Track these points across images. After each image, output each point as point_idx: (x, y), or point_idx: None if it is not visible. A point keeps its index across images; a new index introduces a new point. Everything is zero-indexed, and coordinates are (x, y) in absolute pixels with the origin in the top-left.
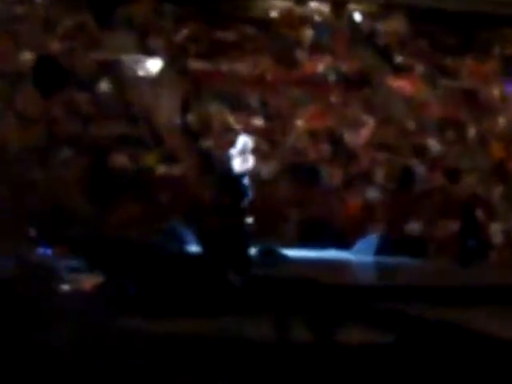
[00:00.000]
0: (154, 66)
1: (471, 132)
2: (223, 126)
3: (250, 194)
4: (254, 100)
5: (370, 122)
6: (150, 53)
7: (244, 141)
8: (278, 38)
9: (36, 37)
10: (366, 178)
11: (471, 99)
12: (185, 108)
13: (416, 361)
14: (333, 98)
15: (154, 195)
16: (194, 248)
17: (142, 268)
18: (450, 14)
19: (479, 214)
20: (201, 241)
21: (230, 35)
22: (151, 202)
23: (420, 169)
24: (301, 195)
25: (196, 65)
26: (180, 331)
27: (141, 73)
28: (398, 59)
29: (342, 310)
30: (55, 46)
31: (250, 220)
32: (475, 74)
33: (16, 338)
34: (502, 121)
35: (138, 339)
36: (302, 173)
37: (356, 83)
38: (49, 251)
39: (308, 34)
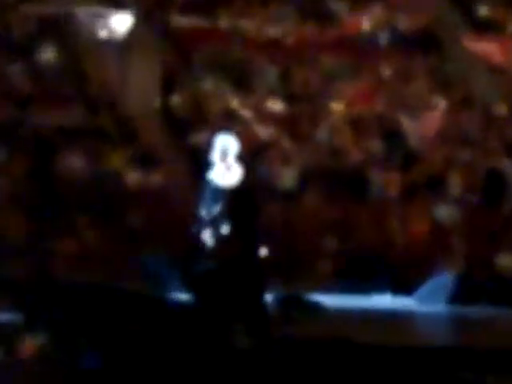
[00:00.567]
0: (121, 23)
1: None
2: (223, 112)
3: (265, 215)
4: (268, 74)
5: (441, 104)
6: (117, 4)
7: (224, 142)
8: None
9: None
10: (436, 188)
11: None
12: (167, 86)
13: None
14: (385, 70)
15: (122, 214)
16: (181, 296)
17: (104, 327)
18: None
19: None
20: (191, 285)
21: None
22: (117, 226)
23: None
24: (339, 215)
25: (182, 21)
26: None
27: (102, 34)
28: (482, 11)
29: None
30: None
31: (263, 253)
32: None
33: None
34: None
35: None
36: (340, 182)
37: (419, 47)
38: None
39: None
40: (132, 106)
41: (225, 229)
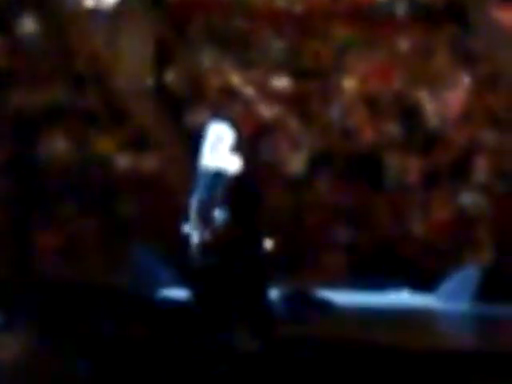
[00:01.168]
0: None
1: None
2: (223, 89)
3: (269, 203)
4: (274, 47)
5: (465, 81)
6: None
7: (218, 131)
8: None
9: None
10: (460, 174)
11: None
12: (161, 61)
13: None
14: (403, 42)
15: (112, 203)
16: (176, 294)
17: (92, 328)
18: None
19: None
20: (188, 281)
21: None
22: (107, 215)
23: None
24: (352, 203)
25: None
26: None
27: (89, 3)
28: None
29: None
30: None
31: (268, 246)
32: None
33: None
34: None
35: None
36: (353, 167)
37: (441, 18)
38: None
39: None
40: (122, 83)
41: (223, 220)
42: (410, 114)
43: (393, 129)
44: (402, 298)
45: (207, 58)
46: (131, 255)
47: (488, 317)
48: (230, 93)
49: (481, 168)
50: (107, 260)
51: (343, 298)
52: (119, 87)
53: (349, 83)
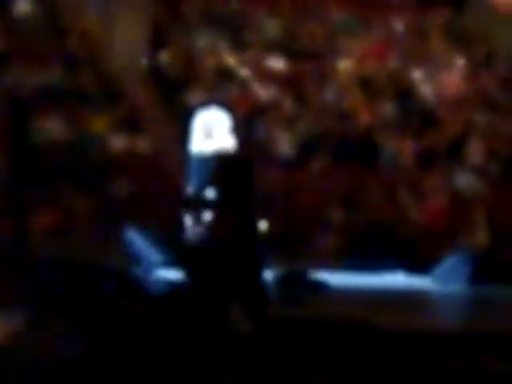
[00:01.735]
0: None
1: None
2: (219, 70)
3: (264, 185)
4: (269, 27)
5: (460, 62)
6: None
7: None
8: None
9: None
10: (455, 156)
11: None
12: (156, 41)
13: None
14: (398, 24)
15: (105, 184)
16: (170, 275)
17: (87, 308)
18: None
19: None
20: (181, 262)
21: None
22: (100, 196)
23: None
24: (347, 185)
25: None
26: None
27: None
28: None
29: (414, 373)
30: None
31: (263, 227)
32: None
33: None
34: None
35: None
36: (348, 148)
37: None
38: None
39: None
40: (117, 63)
41: (217, 201)
42: (404, 96)
43: (388, 110)
44: (398, 279)
45: (202, 39)
46: (124, 235)
47: (483, 299)
48: (224, 73)
49: (476, 150)
50: (100, 240)
51: (338, 279)
52: (113, 67)
53: (344, 64)
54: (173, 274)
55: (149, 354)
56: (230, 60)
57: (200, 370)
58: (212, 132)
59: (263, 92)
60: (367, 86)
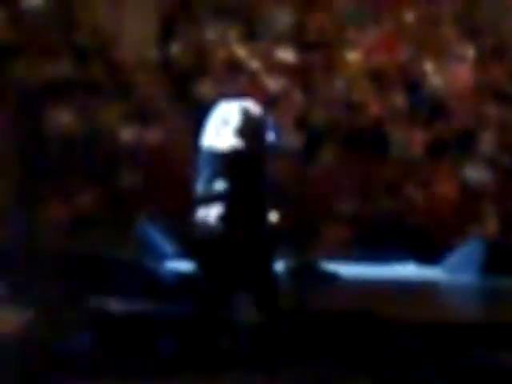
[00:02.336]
0: None
1: None
2: (229, 61)
3: (274, 176)
4: (278, 19)
5: (470, 52)
6: None
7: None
8: None
9: None
10: (465, 146)
11: None
12: (166, 33)
13: None
14: (408, 14)
15: (115, 175)
16: (180, 266)
17: (97, 301)
18: None
19: None
20: (192, 253)
21: None
22: (110, 187)
23: None
24: (357, 177)
25: None
26: None
27: None
28: None
29: (427, 364)
30: None
31: (273, 218)
32: None
33: None
34: None
35: None
36: (358, 139)
37: None
38: None
39: None
40: (127, 55)
41: (227, 193)
42: (414, 87)
43: (397, 101)
44: (409, 270)
45: (212, 31)
46: (136, 228)
47: (493, 289)
48: (234, 65)
49: (486, 141)
50: (111, 232)
51: (349, 270)
52: (123, 59)
53: (353, 56)
54: (184, 266)
55: (158, 346)
56: (240, 51)
57: (209, 362)
58: (226, 125)
59: (273, 83)
60: (377, 76)
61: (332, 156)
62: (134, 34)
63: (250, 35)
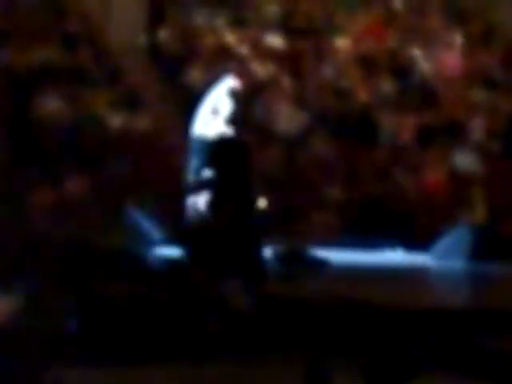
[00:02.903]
0: None
1: None
2: (217, 48)
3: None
4: (267, 6)
5: (459, 39)
6: None
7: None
8: None
9: None
10: (455, 134)
11: None
12: (154, 19)
13: None
14: (397, 1)
15: (104, 162)
16: (169, 252)
17: (85, 288)
18: None
19: None
20: (181, 240)
21: None
22: (99, 175)
23: None
24: (346, 162)
25: None
26: None
27: None
28: None
29: (414, 351)
30: None
31: (262, 204)
32: None
33: None
34: None
35: None
36: (347, 126)
37: None
38: None
39: None
40: (115, 41)
41: (215, 181)
42: (403, 73)
43: (386, 88)
44: (397, 256)
45: (201, 17)
46: (124, 214)
47: (481, 275)
48: (223, 51)
49: (476, 128)
50: (100, 219)
51: (337, 256)
52: (112, 46)
53: (342, 42)
54: (172, 252)
55: (148, 331)
56: (229, 37)
57: (199, 346)
58: (217, 113)
59: (261, 70)
60: (365, 63)
61: (321, 142)
62: (123, 19)
63: (239, 21)
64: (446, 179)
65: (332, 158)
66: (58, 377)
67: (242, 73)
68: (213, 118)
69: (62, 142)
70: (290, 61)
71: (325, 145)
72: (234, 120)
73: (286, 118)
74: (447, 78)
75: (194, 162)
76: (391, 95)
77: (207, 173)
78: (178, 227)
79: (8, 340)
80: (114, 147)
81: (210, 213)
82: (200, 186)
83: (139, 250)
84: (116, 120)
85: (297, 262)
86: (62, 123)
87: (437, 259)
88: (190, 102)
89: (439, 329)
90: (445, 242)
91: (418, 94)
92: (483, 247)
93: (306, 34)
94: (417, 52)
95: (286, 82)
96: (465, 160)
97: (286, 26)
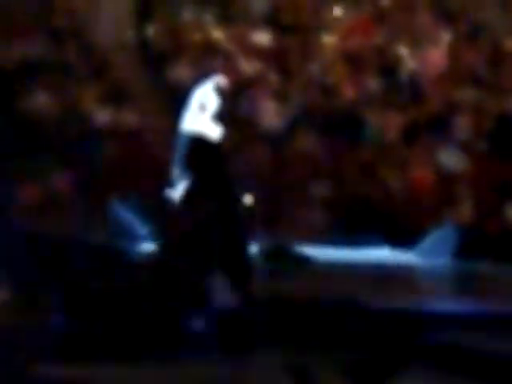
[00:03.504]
0: None
1: None
2: (204, 44)
3: (249, 159)
4: (254, 1)
5: (445, 36)
6: None
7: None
8: None
9: None
10: (441, 132)
11: None
12: (142, 14)
13: None
14: None
15: (91, 158)
16: (154, 248)
17: (71, 283)
18: None
19: None
20: (167, 235)
21: None
22: (85, 170)
23: None
24: (332, 160)
25: None
26: None
27: None
28: None
29: (400, 351)
30: None
31: (247, 200)
32: None
33: None
34: None
35: None
36: (333, 123)
37: None
38: None
39: None
40: (102, 36)
41: (200, 176)
42: (389, 71)
43: (372, 85)
44: (383, 254)
45: (188, 13)
46: (109, 208)
47: (467, 273)
48: (210, 47)
49: (461, 126)
50: (85, 215)
51: (323, 253)
52: (99, 40)
53: (329, 39)
54: (157, 248)
55: (132, 328)
56: (216, 34)
57: (183, 345)
58: (204, 109)
59: (248, 66)
60: (352, 60)
61: (307, 139)
62: (110, 15)
63: (226, 18)
64: (431, 177)
65: (318, 156)
66: (46, 373)
67: (228, 69)
68: (200, 113)
69: (47, 137)
70: (276, 57)
71: (311, 142)
72: (219, 116)
73: (272, 115)
74: (434, 75)
75: (178, 157)
76: (377, 92)
77: (189, 168)
78: (163, 222)
79: None
80: (100, 142)
81: (194, 209)
82: (184, 180)
83: (123, 245)
84: (102, 114)
85: (283, 259)
86: (48, 117)
87: (422, 257)
88: (176, 98)
89: (425, 328)
90: (430, 240)
91: (404, 91)
92: (469, 245)
93: (293, 30)
94: (404, 50)
95: (273, 78)
96: (451, 158)
97: (273, 22)
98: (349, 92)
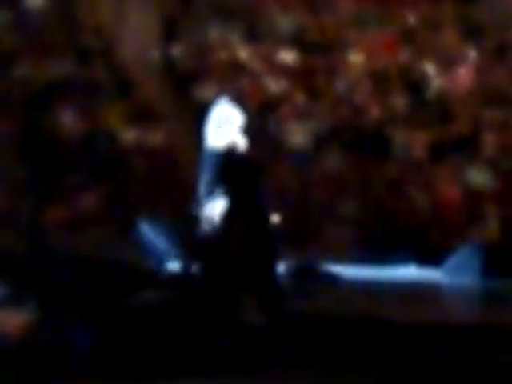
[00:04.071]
0: None
1: None
2: (230, 63)
3: (277, 178)
4: (281, 21)
5: (472, 54)
6: None
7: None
8: None
9: None
10: (468, 149)
11: None
12: (167, 33)
13: None
14: (411, 17)
15: (118, 177)
16: (181, 269)
17: (98, 303)
18: None
19: None
20: (193, 255)
21: None
22: (112, 189)
23: None
24: (359, 178)
25: None
26: None
27: None
28: None
29: (429, 367)
30: None
31: (275, 220)
32: None
33: None
34: None
35: None
36: (360, 141)
37: None
38: None
39: None
40: (129, 56)
41: (228, 195)
42: (416, 89)
43: (399, 103)
44: (409, 272)
45: (214, 32)
46: (137, 228)
47: (493, 292)
48: (236, 67)
49: (488, 144)
50: (113, 233)
51: (350, 272)
52: (125, 60)
53: (355, 58)
54: (185, 267)
55: (160, 346)
56: (242, 53)
57: (210, 363)
58: (227, 125)
59: (275, 85)
60: (379, 79)
61: (334, 158)
62: (136, 34)
63: (252, 37)
64: (458, 195)
65: (345, 174)
66: None
67: (255, 88)
68: (225, 131)
69: (76, 156)
70: (303, 76)
71: (338, 160)
72: (246, 134)
73: (299, 134)
74: (460, 93)
75: (206, 174)
76: (404, 110)
77: (220, 186)
78: (191, 241)
79: (21, 353)
80: (127, 161)
81: (222, 227)
82: (213, 199)
83: (152, 265)
84: (129, 134)
85: (311, 278)
86: (75, 136)
87: (449, 275)
88: (202, 117)
89: (450, 345)
90: (457, 259)
91: (430, 109)
92: (495, 264)
93: (320, 49)
94: (430, 67)
95: (299, 97)
96: (477, 176)
97: (299, 41)
98: (375, 110)
